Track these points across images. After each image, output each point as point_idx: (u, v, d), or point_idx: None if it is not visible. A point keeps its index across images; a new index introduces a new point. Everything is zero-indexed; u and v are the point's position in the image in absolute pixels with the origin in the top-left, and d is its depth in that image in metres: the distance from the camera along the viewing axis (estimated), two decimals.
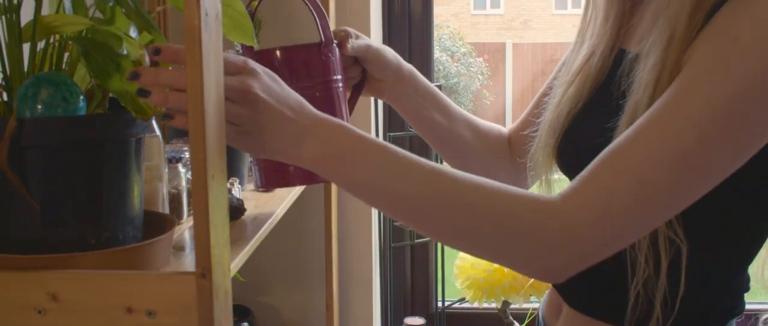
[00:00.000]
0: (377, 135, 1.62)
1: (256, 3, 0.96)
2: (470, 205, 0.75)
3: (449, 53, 8.92)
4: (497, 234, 0.76)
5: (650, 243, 0.80)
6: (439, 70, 8.70)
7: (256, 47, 0.86)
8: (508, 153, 1.11)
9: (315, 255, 1.66)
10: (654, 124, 0.75)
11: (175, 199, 1.00)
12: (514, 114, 9.44)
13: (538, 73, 9.45)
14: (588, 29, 0.98)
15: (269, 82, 0.75)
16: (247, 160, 1.26)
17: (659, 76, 0.79)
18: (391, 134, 1.63)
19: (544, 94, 1.06)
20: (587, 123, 0.92)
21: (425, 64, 1.73)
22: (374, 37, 1.65)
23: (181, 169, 1.01)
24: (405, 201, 0.76)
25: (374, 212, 1.67)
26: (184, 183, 1.01)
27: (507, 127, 1.15)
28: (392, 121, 1.72)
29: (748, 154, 0.75)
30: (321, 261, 1.63)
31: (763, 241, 0.86)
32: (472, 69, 8.97)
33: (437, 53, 8.77)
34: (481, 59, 9.15)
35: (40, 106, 0.76)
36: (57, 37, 0.81)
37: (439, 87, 1.59)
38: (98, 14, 0.85)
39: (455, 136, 1.06)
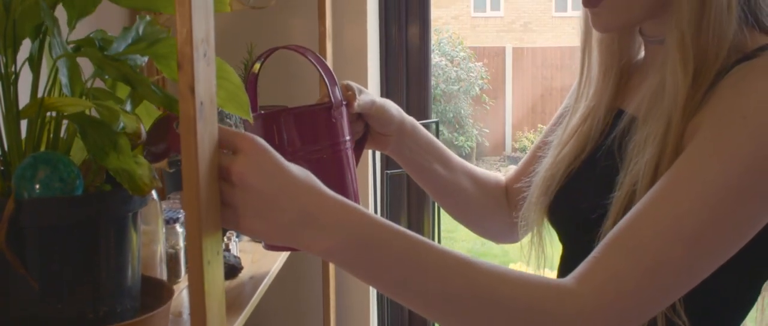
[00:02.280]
0: (374, 173, 1.63)
1: (259, 65, 0.97)
2: (496, 299, 0.74)
3: (449, 58, 8.92)
4: (522, 323, 0.75)
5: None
6: (439, 74, 8.70)
7: (251, 121, 0.87)
8: (505, 202, 1.12)
9: (313, 302, 1.66)
10: (664, 203, 0.75)
11: (172, 259, 1.01)
12: (514, 117, 9.44)
13: (537, 77, 9.46)
14: (584, 87, 0.99)
15: (266, 162, 0.72)
16: None
17: (662, 150, 0.79)
18: (389, 172, 1.64)
19: (540, 147, 1.07)
20: (582, 186, 0.92)
21: (423, 99, 1.74)
22: (372, 73, 1.66)
23: (179, 229, 1.02)
24: (430, 296, 0.73)
25: None
26: (181, 242, 1.02)
27: (505, 175, 1.16)
28: (390, 159, 1.72)
29: (758, 227, 0.75)
30: (319, 307, 1.63)
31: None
32: (471, 73, 8.97)
33: (437, 58, 8.76)
34: (480, 63, 9.14)
35: (37, 186, 0.77)
36: (54, 113, 0.82)
37: (437, 124, 1.60)
38: (98, 82, 0.86)
39: (455, 187, 1.07)
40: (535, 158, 1.07)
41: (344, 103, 0.90)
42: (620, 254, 0.75)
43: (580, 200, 0.91)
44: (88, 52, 0.79)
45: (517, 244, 1.13)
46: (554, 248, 1.05)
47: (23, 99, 0.83)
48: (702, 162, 0.75)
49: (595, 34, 0.96)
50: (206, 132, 0.70)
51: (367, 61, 1.60)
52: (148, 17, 0.91)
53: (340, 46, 1.57)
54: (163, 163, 0.99)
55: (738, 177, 0.73)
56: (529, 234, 1.04)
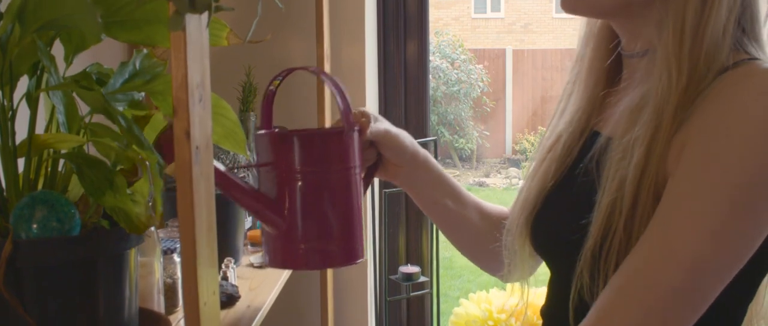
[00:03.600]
0: (373, 191, 1.63)
1: (278, 83, 0.95)
2: None
3: (449, 60, 8.91)
4: None
5: None
6: (440, 77, 8.70)
7: (248, 158, 0.87)
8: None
9: (312, 309, 1.67)
10: (662, 236, 0.75)
11: (170, 289, 1.01)
12: (514, 119, 9.43)
13: (538, 79, 9.46)
14: (564, 104, 0.99)
15: None
16: (243, 232, 1.27)
17: (645, 162, 0.79)
18: (387, 191, 1.64)
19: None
20: (559, 208, 0.92)
21: (421, 116, 1.74)
22: (370, 92, 1.66)
23: (176, 259, 1.02)
24: None
25: (369, 270, 1.68)
26: (179, 272, 1.02)
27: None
28: None
29: (758, 243, 0.76)
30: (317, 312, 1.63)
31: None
32: (472, 76, 8.97)
33: (437, 60, 8.76)
34: (481, 66, 9.14)
35: (35, 226, 0.77)
36: (51, 150, 0.82)
37: (435, 143, 1.60)
38: (96, 117, 0.86)
39: (464, 221, 1.07)
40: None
41: (357, 128, 0.89)
42: (631, 292, 0.76)
43: (558, 222, 0.90)
44: (81, 93, 0.79)
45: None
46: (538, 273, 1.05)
47: (22, 134, 0.83)
48: (693, 188, 0.75)
49: (589, 53, 0.96)
50: (202, 176, 0.70)
51: (365, 80, 1.60)
52: (144, 50, 0.92)
53: (339, 65, 1.58)
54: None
55: (730, 199, 0.73)
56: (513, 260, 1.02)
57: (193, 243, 0.69)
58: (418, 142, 1.58)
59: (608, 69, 0.94)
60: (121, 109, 0.87)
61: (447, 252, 5.17)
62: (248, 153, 0.97)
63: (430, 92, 6.30)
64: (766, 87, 0.75)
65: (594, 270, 0.82)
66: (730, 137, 0.74)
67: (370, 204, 1.65)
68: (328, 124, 1.50)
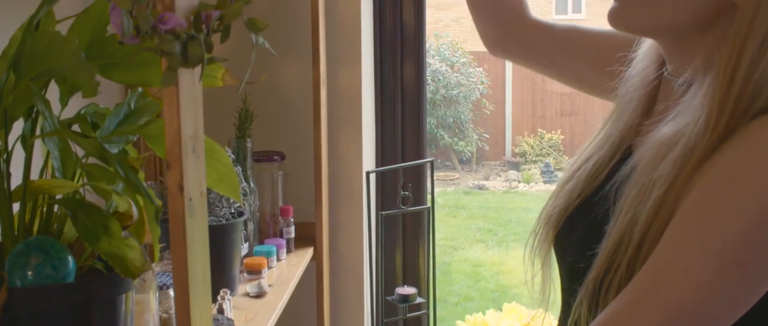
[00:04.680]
0: (369, 213, 1.63)
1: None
2: None
3: (449, 63, 8.90)
4: None
5: None
6: (439, 80, 8.69)
7: (241, 203, 0.88)
8: (513, 16, 1.10)
9: None
10: (652, 278, 0.74)
11: (166, 324, 1.02)
12: (514, 122, 9.43)
13: (538, 81, 9.45)
14: (602, 127, 0.96)
15: None
16: (239, 260, 1.28)
17: (656, 215, 0.76)
18: (384, 213, 1.64)
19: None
20: (573, 231, 0.90)
21: (418, 138, 1.74)
22: (366, 115, 1.65)
23: (172, 294, 1.03)
24: None
25: (366, 291, 1.69)
26: (174, 307, 1.03)
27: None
28: (385, 200, 1.73)
29: (757, 297, 0.73)
30: None
31: None
32: (472, 79, 8.96)
33: (437, 63, 8.75)
34: (480, 69, 9.13)
35: (30, 273, 0.77)
36: (46, 195, 0.83)
37: (431, 164, 1.60)
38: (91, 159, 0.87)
39: None
40: (570, 39, 1.05)
41: None
42: None
43: (568, 247, 0.90)
44: (77, 140, 0.79)
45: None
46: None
47: (18, 174, 0.83)
48: (686, 235, 0.73)
49: (635, 77, 0.92)
50: (196, 226, 0.71)
51: (361, 104, 1.61)
52: (139, 89, 0.92)
53: (335, 89, 1.58)
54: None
55: (720, 252, 0.71)
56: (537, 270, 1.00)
57: (186, 294, 0.69)
58: (415, 164, 1.59)
59: (649, 95, 0.91)
60: (117, 150, 0.88)
61: (445, 274, 5.17)
62: (242, 197, 0.97)
63: (430, 95, 6.27)
64: None
65: (592, 302, 0.81)
66: (732, 187, 0.72)
67: (366, 226, 1.66)
68: (324, 142, 1.51)
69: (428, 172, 1.71)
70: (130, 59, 0.77)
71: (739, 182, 0.72)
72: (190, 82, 0.70)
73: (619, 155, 0.90)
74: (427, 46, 8.04)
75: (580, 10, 12.22)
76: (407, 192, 1.63)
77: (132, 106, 0.91)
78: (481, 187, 8.13)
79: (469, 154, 8.98)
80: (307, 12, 1.46)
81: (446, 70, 8.78)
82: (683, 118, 0.79)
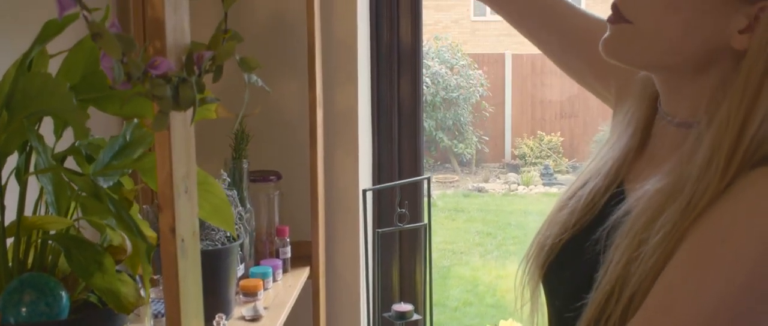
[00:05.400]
0: (366, 231, 1.64)
1: None
2: None
3: (448, 66, 8.91)
4: None
5: None
6: (439, 82, 8.69)
7: (234, 234, 0.88)
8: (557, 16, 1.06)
9: None
10: None
11: None
12: (513, 124, 9.43)
13: (537, 83, 9.45)
14: (598, 151, 0.95)
15: None
16: (235, 282, 1.28)
17: (647, 276, 0.75)
18: (380, 230, 1.65)
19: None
20: (562, 274, 0.89)
21: (415, 156, 1.74)
22: (363, 135, 1.66)
23: None
24: None
25: (362, 308, 1.69)
26: None
27: None
28: (382, 218, 1.73)
29: None
30: None
31: None
32: (471, 81, 8.96)
33: (437, 66, 8.75)
34: (480, 71, 9.13)
35: (24, 310, 0.78)
36: (40, 231, 0.83)
37: (428, 181, 1.60)
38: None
39: None
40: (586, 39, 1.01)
41: None
42: None
43: (557, 290, 0.89)
44: (70, 177, 0.80)
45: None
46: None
47: (12, 206, 0.83)
48: (672, 291, 0.72)
49: (632, 103, 0.91)
50: (188, 266, 0.71)
51: (357, 123, 1.61)
52: (135, 120, 0.92)
53: (331, 109, 1.58)
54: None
55: (708, 314, 0.70)
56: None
57: None
58: (411, 181, 1.59)
59: (644, 128, 0.89)
60: (111, 183, 0.88)
61: (441, 293, 5.14)
62: (238, 219, 0.98)
63: (430, 97, 6.22)
64: None
65: None
66: (725, 246, 0.71)
67: (362, 244, 1.66)
68: (320, 161, 1.51)
69: (425, 189, 1.71)
70: (123, 97, 0.77)
71: (733, 242, 0.70)
72: (182, 123, 0.70)
73: (613, 188, 0.89)
74: (427, 48, 7.99)
75: None
76: (404, 210, 1.63)
77: (127, 137, 0.91)
78: (480, 190, 8.13)
79: (469, 156, 8.98)
80: (303, 32, 1.47)
81: (446, 73, 8.78)
82: (683, 170, 0.77)
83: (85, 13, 0.61)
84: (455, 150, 8.93)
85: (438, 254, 5.99)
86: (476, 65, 9.15)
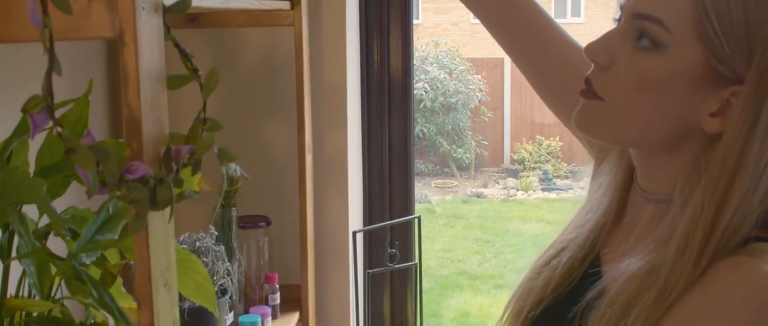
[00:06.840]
0: (356, 272, 1.64)
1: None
2: None
3: (447, 71, 8.91)
4: None
5: None
6: (438, 87, 8.69)
7: (217, 314, 0.88)
8: (553, 38, 1.07)
9: None
10: None
11: None
12: (512, 129, 9.44)
13: None
14: (576, 215, 0.94)
15: None
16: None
17: None
18: (370, 271, 1.65)
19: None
20: None
21: (406, 196, 1.75)
22: (353, 179, 1.66)
23: None
24: None
25: None
26: None
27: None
28: (372, 258, 1.74)
29: None
30: None
31: None
32: (470, 86, 8.97)
33: (436, 71, 8.75)
34: (479, 76, 9.14)
35: None
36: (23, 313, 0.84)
37: (418, 220, 1.61)
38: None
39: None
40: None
41: None
42: None
43: None
44: (52, 262, 0.80)
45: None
46: None
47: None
48: None
49: (609, 172, 0.90)
50: None
51: (347, 167, 1.61)
52: (117, 193, 0.93)
53: (321, 154, 1.58)
54: None
55: None
56: None
57: None
58: (401, 221, 1.59)
59: (619, 200, 0.89)
60: (95, 258, 0.89)
61: (442, 287, 5.10)
62: (223, 284, 0.98)
63: (429, 103, 6.21)
64: (753, 291, 0.70)
65: None
66: None
67: (352, 284, 1.66)
68: (310, 206, 1.51)
69: (415, 228, 1.71)
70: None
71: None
72: (160, 221, 0.71)
73: (590, 258, 0.89)
74: (426, 53, 7.97)
75: (579, 13, 12.21)
76: (394, 250, 1.64)
77: (110, 210, 0.92)
78: (479, 195, 8.13)
79: (468, 160, 8.99)
80: (292, 75, 1.47)
81: (445, 78, 8.79)
82: (659, 254, 0.76)
83: (58, 129, 0.61)
84: (454, 155, 8.94)
85: (437, 262, 6.00)
86: (475, 70, 9.15)
